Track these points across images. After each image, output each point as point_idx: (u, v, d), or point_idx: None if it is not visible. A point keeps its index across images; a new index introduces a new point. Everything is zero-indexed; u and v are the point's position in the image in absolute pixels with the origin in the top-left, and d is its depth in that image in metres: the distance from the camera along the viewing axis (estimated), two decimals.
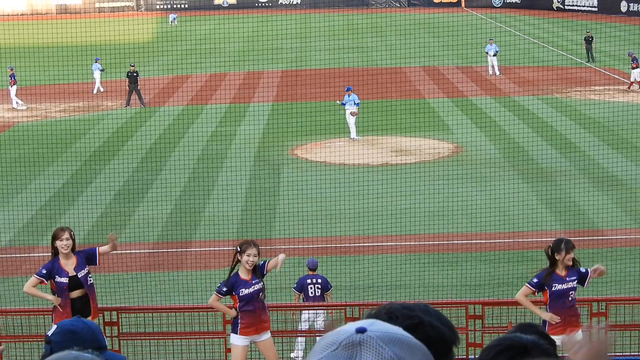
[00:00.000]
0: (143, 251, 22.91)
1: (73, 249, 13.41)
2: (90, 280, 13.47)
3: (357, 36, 69.56)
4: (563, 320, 12.67)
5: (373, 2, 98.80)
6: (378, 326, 2.47)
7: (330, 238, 23.30)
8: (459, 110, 41.20)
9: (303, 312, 15.93)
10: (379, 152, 33.31)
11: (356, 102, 35.23)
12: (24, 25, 64.56)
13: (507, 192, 26.12)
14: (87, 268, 13.43)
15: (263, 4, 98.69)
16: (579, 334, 12.81)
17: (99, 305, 14.31)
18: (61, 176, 30.23)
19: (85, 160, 32.80)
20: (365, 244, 22.80)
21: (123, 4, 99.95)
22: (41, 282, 13.29)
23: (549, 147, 32.89)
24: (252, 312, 12.90)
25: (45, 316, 14.48)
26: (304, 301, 16.10)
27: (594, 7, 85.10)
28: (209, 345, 15.45)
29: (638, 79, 45.32)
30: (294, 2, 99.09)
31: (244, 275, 12.84)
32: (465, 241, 23.27)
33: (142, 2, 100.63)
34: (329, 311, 15.96)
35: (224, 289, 12.89)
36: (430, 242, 23.13)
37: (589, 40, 54.94)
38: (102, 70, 48.70)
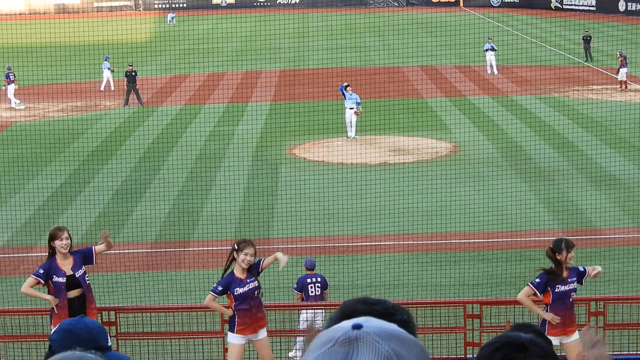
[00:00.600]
0: (141, 251, 22.90)
1: (70, 249, 13.39)
2: (87, 280, 13.45)
3: (356, 35, 69.59)
4: (562, 321, 12.66)
5: (371, 2, 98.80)
6: (373, 322, 2.47)
7: (329, 237, 23.30)
8: (457, 109, 41.22)
9: (302, 311, 15.93)
10: (377, 152, 33.31)
11: (358, 102, 35.22)
12: (22, 25, 64.54)
13: (506, 192, 26.12)
14: (84, 268, 13.40)
15: (261, 4, 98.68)
16: (576, 335, 12.82)
17: (98, 305, 14.29)
18: (59, 176, 30.21)
19: (83, 160, 32.79)
20: (363, 244, 22.79)
21: (121, 3, 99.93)
22: (38, 282, 13.27)
23: (547, 146, 32.90)
24: (247, 311, 12.89)
25: (44, 316, 14.48)
26: (304, 300, 16.11)
27: (592, 6, 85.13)
28: (207, 345, 15.45)
29: (624, 79, 45.37)
30: (293, 2, 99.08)
31: (238, 274, 12.84)
32: (464, 240, 23.28)
33: (140, 2, 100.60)
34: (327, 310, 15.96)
35: (220, 289, 12.89)
36: (428, 242, 23.13)
37: (587, 40, 54.97)
38: (111, 70, 48.84)
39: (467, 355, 14.43)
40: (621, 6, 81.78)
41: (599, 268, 13.04)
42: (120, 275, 21.01)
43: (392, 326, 2.47)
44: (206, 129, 37.84)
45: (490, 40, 51.51)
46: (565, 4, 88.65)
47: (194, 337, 15.42)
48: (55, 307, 13.29)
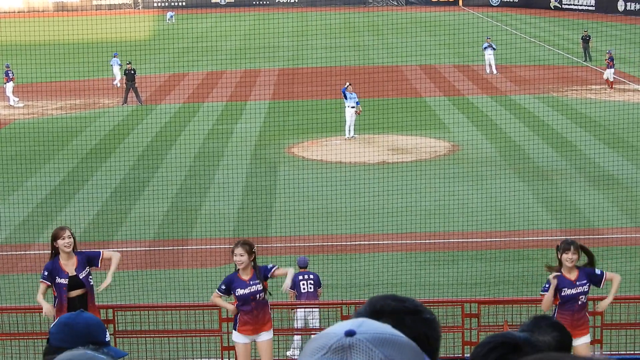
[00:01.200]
0: (140, 249, 22.90)
1: (74, 248, 13.31)
2: (90, 282, 13.39)
3: (355, 34, 69.57)
4: (570, 323, 12.54)
5: (371, 1, 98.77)
6: (367, 327, 2.46)
7: (327, 236, 23.32)
8: (457, 108, 41.22)
9: (298, 309, 15.93)
10: (376, 151, 33.31)
11: (357, 101, 35.24)
12: (21, 23, 64.53)
13: (504, 191, 26.13)
14: (88, 269, 13.31)
15: (261, 2, 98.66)
16: (585, 338, 12.74)
17: (97, 304, 14.27)
18: (58, 173, 30.21)
19: (82, 158, 32.79)
20: (362, 242, 22.80)
21: (121, 1, 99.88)
22: (48, 285, 13.14)
23: (546, 145, 32.90)
24: (249, 312, 12.85)
25: (42, 314, 14.45)
26: (296, 298, 16.11)
27: (591, 6, 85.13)
28: (205, 344, 15.45)
29: (611, 79, 45.41)
30: (292, 0, 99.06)
31: (241, 274, 12.79)
32: (462, 240, 23.29)
33: (139, 0, 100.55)
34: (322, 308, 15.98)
35: (223, 287, 12.87)
36: (426, 241, 23.13)
37: (586, 40, 54.97)
38: (121, 66, 48.98)
39: (465, 355, 14.44)
40: (620, 6, 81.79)
41: (607, 301, 12.85)
42: (119, 273, 20.97)
43: (386, 329, 2.46)
44: (205, 128, 37.83)
45: (489, 40, 51.51)
46: (564, 4, 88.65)
47: (192, 335, 15.42)
48: (55, 311, 13.23)
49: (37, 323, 14.69)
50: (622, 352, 15.02)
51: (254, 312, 12.86)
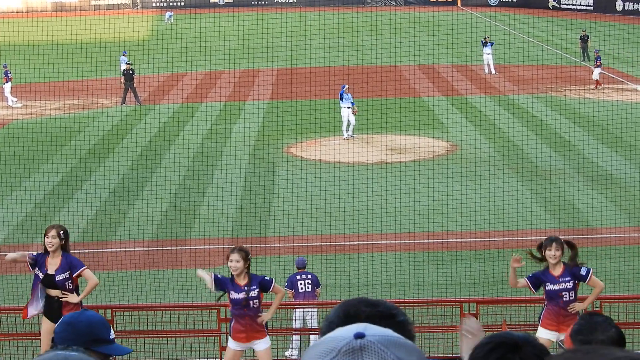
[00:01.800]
0: (138, 249, 22.89)
1: (65, 249, 13.31)
2: (69, 286, 13.31)
3: (353, 34, 69.57)
4: (556, 319, 12.64)
5: (369, 1, 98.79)
6: (374, 330, 2.46)
7: (326, 236, 23.31)
8: (455, 108, 41.22)
9: (296, 309, 15.93)
10: (374, 151, 33.32)
11: (352, 102, 35.26)
12: (19, 23, 64.53)
13: (503, 191, 26.14)
14: (68, 274, 13.28)
15: (259, 2, 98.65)
16: None
17: (95, 303, 14.29)
18: (56, 174, 30.21)
19: (80, 158, 32.77)
20: (360, 242, 22.81)
21: (119, 1, 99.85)
22: (29, 263, 13.29)
23: (545, 145, 32.91)
24: (241, 318, 12.78)
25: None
26: (294, 298, 16.11)
27: (590, 6, 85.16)
28: (204, 344, 15.45)
29: (598, 79, 45.43)
30: (291, 1, 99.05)
31: (237, 279, 12.73)
32: (460, 239, 23.30)
33: (138, 0, 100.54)
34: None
35: (219, 276, 12.81)
36: (425, 240, 23.13)
37: (584, 39, 54.99)
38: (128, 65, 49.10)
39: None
40: (618, 6, 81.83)
41: (582, 305, 12.82)
42: (117, 273, 21.01)
43: (392, 333, 2.46)
44: (203, 128, 37.83)
45: (487, 39, 51.54)
46: (562, 4, 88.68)
47: (191, 335, 15.42)
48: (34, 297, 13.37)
49: (35, 324, 14.67)
50: None
51: (246, 318, 12.76)
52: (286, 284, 16.38)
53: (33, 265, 13.29)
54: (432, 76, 50.71)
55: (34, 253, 13.44)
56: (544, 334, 12.47)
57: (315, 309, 16.02)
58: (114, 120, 40.19)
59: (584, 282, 12.64)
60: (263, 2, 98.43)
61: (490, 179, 28.17)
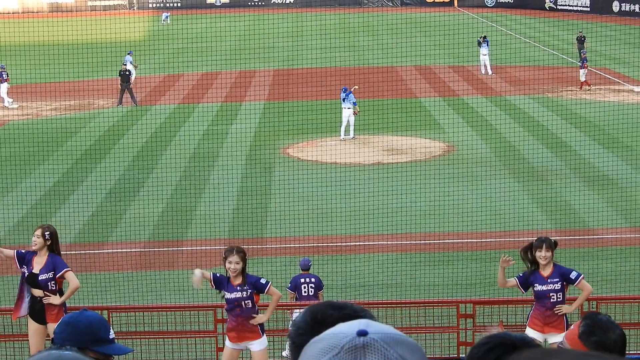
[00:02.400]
0: (135, 250, 22.88)
1: (52, 250, 13.31)
2: (52, 286, 13.32)
3: (350, 35, 69.56)
4: (542, 320, 12.68)
5: (366, 1, 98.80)
6: (375, 327, 2.45)
7: (322, 237, 23.31)
8: (452, 109, 41.23)
9: (295, 311, 15.91)
10: (371, 151, 33.31)
11: (354, 102, 35.24)
12: (15, 24, 64.45)
13: (499, 191, 26.15)
14: (52, 274, 13.28)
15: (256, 3, 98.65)
16: (558, 337, 12.77)
17: (91, 304, 14.27)
18: (53, 175, 30.18)
19: (77, 159, 32.74)
20: (357, 243, 22.79)
21: (115, 2, 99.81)
22: (14, 258, 13.36)
23: (541, 146, 32.92)
24: (234, 318, 12.77)
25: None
26: (296, 300, 16.09)
27: (586, 6, 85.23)
28: (200, 345, 15.44)
29: (585, 79, 45.46)
30: (287, 1, 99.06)
31: (232, 278, 12.71)
32: (457, 240, 23.29)
33: (134, 1, 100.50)
34: None
35: (218, 275, 12.79)
36: (422, 241, 23.13)
37: (581, 40, 55.00)
38: (134, 66, 49.37)
39: (460, 355, 14.44)
40: (615, 7, 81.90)
41: (569, 308, 12.81)
42: (114, 275, 20.99)
43: (394, 330, 2.45)
44: (200, 128, 37.81)
45: (483, 38, 51.59)
46: (559, 4, 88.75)
47: (187, 336, 15.41)
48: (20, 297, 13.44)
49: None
50: None
51: (238, 319, 12.74)
52: (289, 285, 16.36)
53: (20, 261, 13.32)
54: (428, 77, 50.71)
55: (23, 250, 13.47)
56: (530, 334, 12.48)
57: None
58: (111, 121, 40.16)
59: (573, 284, 12.67)
60: (260, 3, 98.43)
61: (487, 180, 28.18)
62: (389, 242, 22.95)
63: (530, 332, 12.56)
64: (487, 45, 51.14)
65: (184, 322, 15.67)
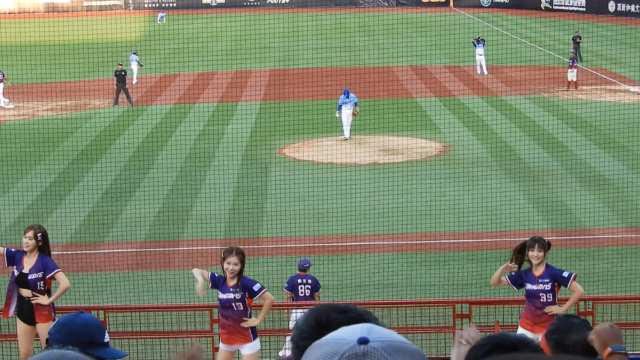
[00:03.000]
0: (131, 250, 22.87)
1: (43, 251, 13.30)
2: (41, 287, 13.30)
3: (346, 35, 69.57)
4: (532, 320, 12.71)
5: (362, 2, 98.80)
6: (377, 334, 2.43)
7: (318, 237, 23.30)
8: (447, 109, 41.24)
9: (292, 311, 15.91)
10: (367, 152, 33.32)
11: (355, 102, 35.19)
12: (11, 24, 64.40)
13: (495, 192, 26.16)
14: (42, 274, 13.27)
15: (252, 3, 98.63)
16: None
17: (87, 304, 14.26)
18: (49, 175, 30.15)
19: (72, 159, 32.72)
20: (353, 243, 22.80)
21: (111, 2, 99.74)
22: (3, 255, 13.37)
23: (537, 146, 32.94)
24: (225, 319, 12.73)
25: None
26: (293, 300, 16.08)
27: (582, 7, 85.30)
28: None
29: (575, 79, 45.49)
30: (283, 1, 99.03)
31: (228, 279, 12.68)
32: (453, 240, 23.30)
33: (130, 1, 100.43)
34: None
35: (216, 275, 12.77)
36: (418, 242, 23.14)
37: (577, 40, 55.04)
38: (140, 65, 49.83)
39: None
40: (611, 7, 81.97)
41: (559, 309, 12.79)
42: (110, 275, 20.98)
43: (396, 337, 2.44)
44: (196, 129, 37.80)
45: (478, 38, 51.61)
46: (555, 5, 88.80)
47: (184, 336, 15.41)
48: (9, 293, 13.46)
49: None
50: None
51: (229, 319, 12.70)
52: (286, 285, 16.34)
53: (10, 259, 13.34)
54: (424, 77, 50.73)
55: (13, 249, 13.45)
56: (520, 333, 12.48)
57: None
58: (107, 121, 40.14)
59: (565, 286, 12.68)
60: (255, 3, 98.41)
61: (482, 180, 28.19)
62: (385, 242, 22.95)
63: (521, 332, 12.58)
64: (483, 45, 51.16)
65: (180, 322, 15.66)
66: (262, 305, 13.01)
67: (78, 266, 21.07)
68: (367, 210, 25.35)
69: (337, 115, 35.66)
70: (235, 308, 12.59)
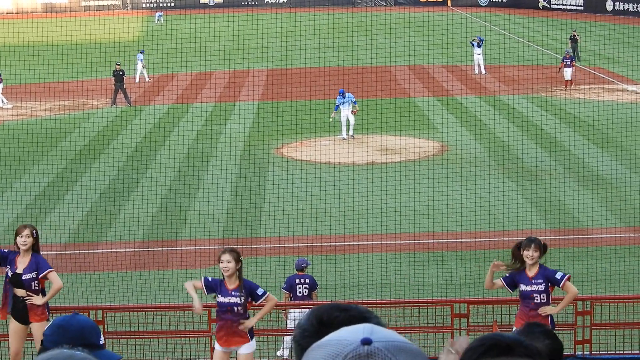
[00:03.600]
0: (129, 250, 22.87)
1: (34, 249, 13.31)
2: (35, 286, 13.30)
3: (343, 35, 69.58)
4: (527, 320, 12.66)
5: (359, 1, 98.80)
6: (380, 334, 2.43)
7: (317, 237, 23.30)
8: (445, 109, 41.26)
9: (290, 311, 15.92)
10: (365, 151, 33.32)
11: (354, 101, 35.18)
12: (9, 24, 64.38)
13: (493, 191, 26.16)
14: (35, 274, 13.27)
15: (249, 3, 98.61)
16: None
17: (85, 304, 14.26)
18: (47, 175, 30.15)
19: (71, 159, 32.72)
20: (351, 243, 22.80)
21: (109, 2, 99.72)
22: None
23: (535, 145, 32.95)
24: (224, 322, 12.72)
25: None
26: (291, 300, 16.09)
27: (580, 6, 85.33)
28: (195, 344, 15.44)
29: (570, 78, 45.52)
30: (281, 1, 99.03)
31: (228, 282, 12.66)
32: (451, 240, 23.31)
33: (128, 1, 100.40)
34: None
35: (209, 279, 12.77)
36: (416, 241, 23.14)
37: (574, 39, 55.08)
38: (142, 64, 50.02)
39: None
40: (609, 6, 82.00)
41: (553, 309, 12.79)
42: (108, 275, 20.98)
43: (398, 337, 2.44)
44: (194, 128, 37.80)
45: (475, 39, 51.62)
46: (552, 4, 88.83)
47: (182, 336, 15.41)
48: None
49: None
50: (611, 352, 15.06)
51: (228, 322, 12.69)
52: (284, 285, 16.34)
53: (2, 260, 13.32)
54: (422, 77, 50.74)
55: (5, 250, 13.44)
56: None
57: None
58: (105, 121, 40.14)
59: (558, 286, 12.66)
60: (253, 3, 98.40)
61: (480, 180, 28.20)
62: (382, 242, 22.96)
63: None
64: (481, 44, 51.18)
65: (178, 322, 15.66)
66: (262, 306, 12.97)
67: (76, 266, 21.07)
68: (365, 210, 25.36)
69: (332, 115, 35.59)
70: (235, 311, 12.60)
